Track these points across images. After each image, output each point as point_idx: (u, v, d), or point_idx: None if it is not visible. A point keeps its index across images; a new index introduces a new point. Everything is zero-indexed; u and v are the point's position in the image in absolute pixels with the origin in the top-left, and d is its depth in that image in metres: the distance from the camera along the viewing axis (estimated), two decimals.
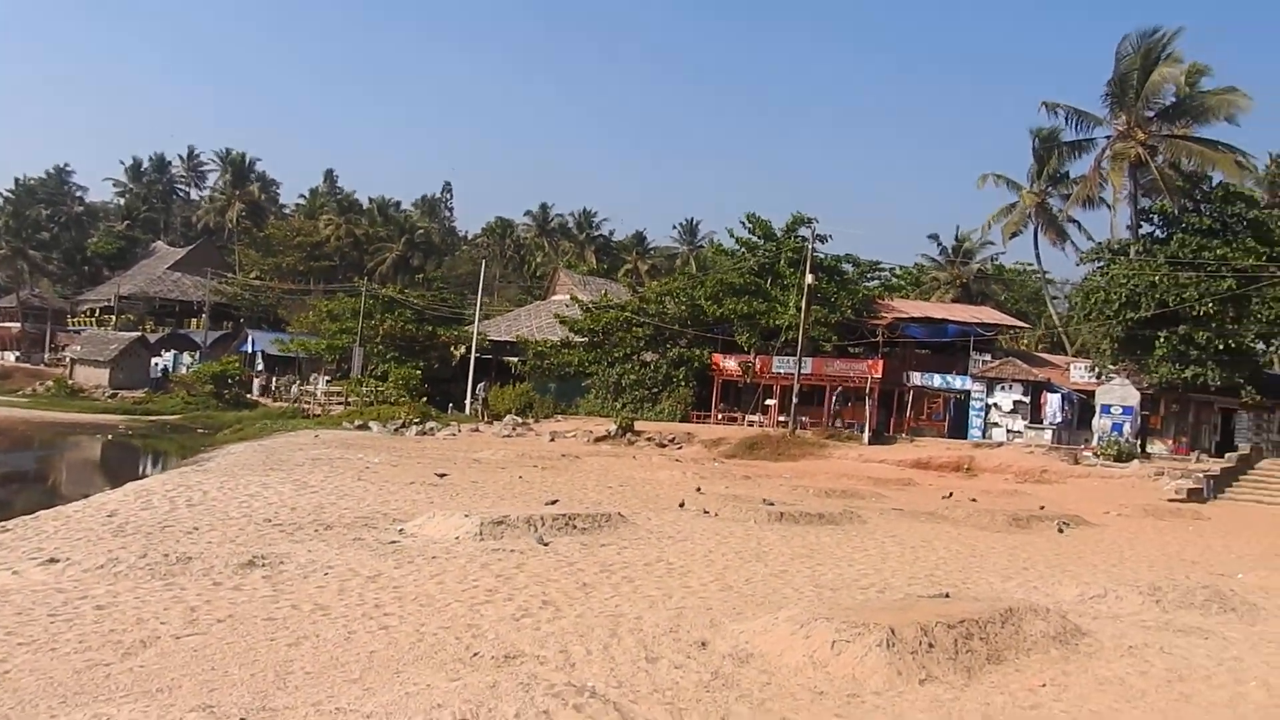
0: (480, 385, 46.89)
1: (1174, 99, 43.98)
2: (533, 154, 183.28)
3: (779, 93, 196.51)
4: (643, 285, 60.27)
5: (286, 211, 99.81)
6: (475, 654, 7.05)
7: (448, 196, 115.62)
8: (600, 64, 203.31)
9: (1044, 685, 7.00)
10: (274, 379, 56.89)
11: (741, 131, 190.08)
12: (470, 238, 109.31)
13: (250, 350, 63.82)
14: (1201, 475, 30.15)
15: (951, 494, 25.24)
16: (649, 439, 38.19)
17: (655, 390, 44.65)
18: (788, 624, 7.71)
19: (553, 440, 37.86)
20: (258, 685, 6.05)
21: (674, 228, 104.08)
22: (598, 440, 37.97)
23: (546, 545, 11.96)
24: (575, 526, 13.31)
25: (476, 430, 40.47)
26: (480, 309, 53.95)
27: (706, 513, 16.70)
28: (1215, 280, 35.12)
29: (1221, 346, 34.87)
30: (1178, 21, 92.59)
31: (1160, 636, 8.78)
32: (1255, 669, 7.86)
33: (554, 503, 16.00)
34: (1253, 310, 35.67)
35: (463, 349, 51.84)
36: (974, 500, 23.72)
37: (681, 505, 17.70)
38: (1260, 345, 40.43)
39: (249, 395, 52.60)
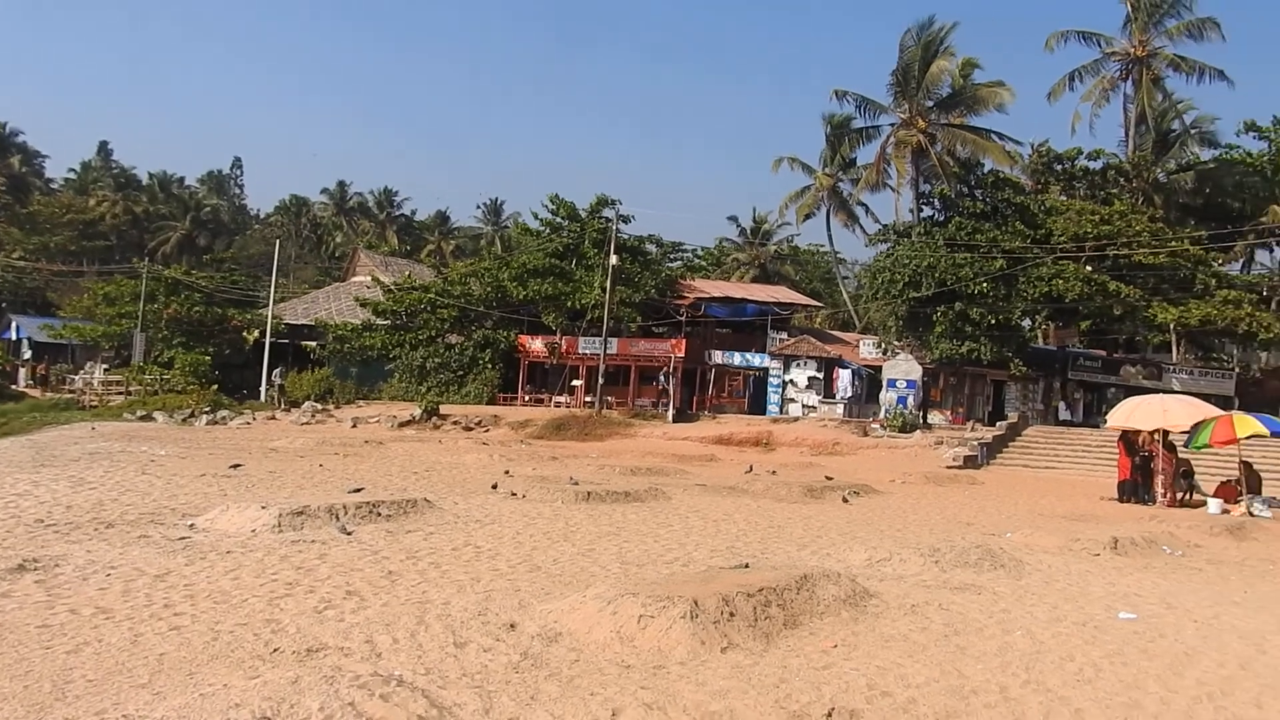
0: (276, 371, 44.97)
1: (950, 90, 46.91)
2: (330, 131, 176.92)
3: (584, 82, 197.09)
4: (447, 266, 59.40)
5: (55, 187, 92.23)
6: (275, 650, 6.81)
7: (238, 173, 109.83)
8: (384, 41, 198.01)
9: (836, 646, 7.39)
10: (44, 368, 52.68)
11: (546, 115, 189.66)
12: (263, 216, 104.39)
13: (15, 337, 58.93)
14: (976, 443, 32.46)
15: (751, 468, 26.16)
16: (455, 422, 37.75)
17: (461, 373, 44.16)
18: (595, 601, 7.81)
19: (355, 426, 36.84)
20: (32, 698, 5.64)
21: (478, 207, 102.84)
22: (402, 425, 37.22)
23: (350, 534, 11.66)
24: (380, 514, 13.03)
25: (273, 418, 38.89)
26: (275, 291, 51.67)
27: (514, 495, 16.68)
28: (987, 261, 37.79)
29: (993, 323, 37.60)
30: (954, 16, 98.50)
31: (939, 594, 9.43)
32: (1020, 620, 8.56)
33: (358, 490, 15.59)
34: (1019, 289, 38.61)
35: (256, 333, 49.55)
36: (774, 473, 24.64)
37: (495, 488, 17.62)
38: (1026, 322, 43.81)
39: (14, 386, 48.44)
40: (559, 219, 47.83)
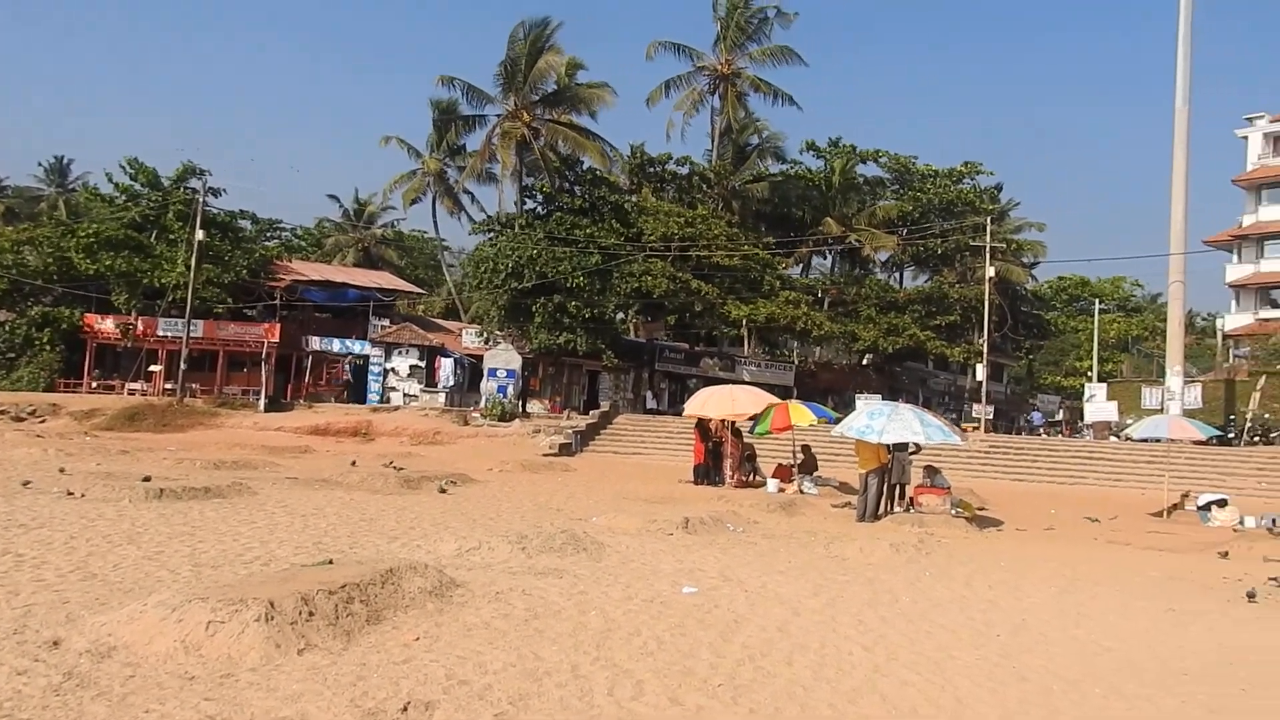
0: None
1: (555, 87, 48.43)
2: None
3: (174, 46, 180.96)
4: None
5: None
6: None
7: None
8: None
9: (418, 638, 7.37)
10: None
11: (125, 70, 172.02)
12: None
13: None
14: (571, 431, 33.87)
15: (355, 461, 25.33)
16: (3, 412, 33.27)
17: (12, 355, 39.03)
18: (158, 609, 7.21)
19: None
20: None
21: (39, 165, 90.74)
22: None
23: None
24: None
25: None
26: None
27: (71, 494, 14.97)
28: (585, 256, 39.49)
29: (589, 315, 39.39)
30: (563, 15, 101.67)
31: (523, 580, 9.72)
32: (596, 600, 9.05)
33: None
34: (613, 284, 40.77)
35: None
36: (400, 469, 23.35)
37: (26, 484, 15.69)
38: (619, 315, 46.40)
39: None
40: (138, 186, 43.58)
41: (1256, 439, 38.11)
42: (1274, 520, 20.81)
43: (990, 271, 42.70)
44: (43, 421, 32.68)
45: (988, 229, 43.97)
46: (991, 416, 45.66)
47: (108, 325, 39.98)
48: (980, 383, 44.64)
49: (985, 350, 44.14)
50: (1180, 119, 40.10)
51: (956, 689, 6.92)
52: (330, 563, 9.38)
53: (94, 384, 39.29)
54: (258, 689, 6.08)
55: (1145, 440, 30.84)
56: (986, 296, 43.05)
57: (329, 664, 6.67)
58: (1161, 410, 37.86)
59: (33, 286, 40.41)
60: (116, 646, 6.75)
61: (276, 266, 45.69)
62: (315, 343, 41.98)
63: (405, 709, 5.85)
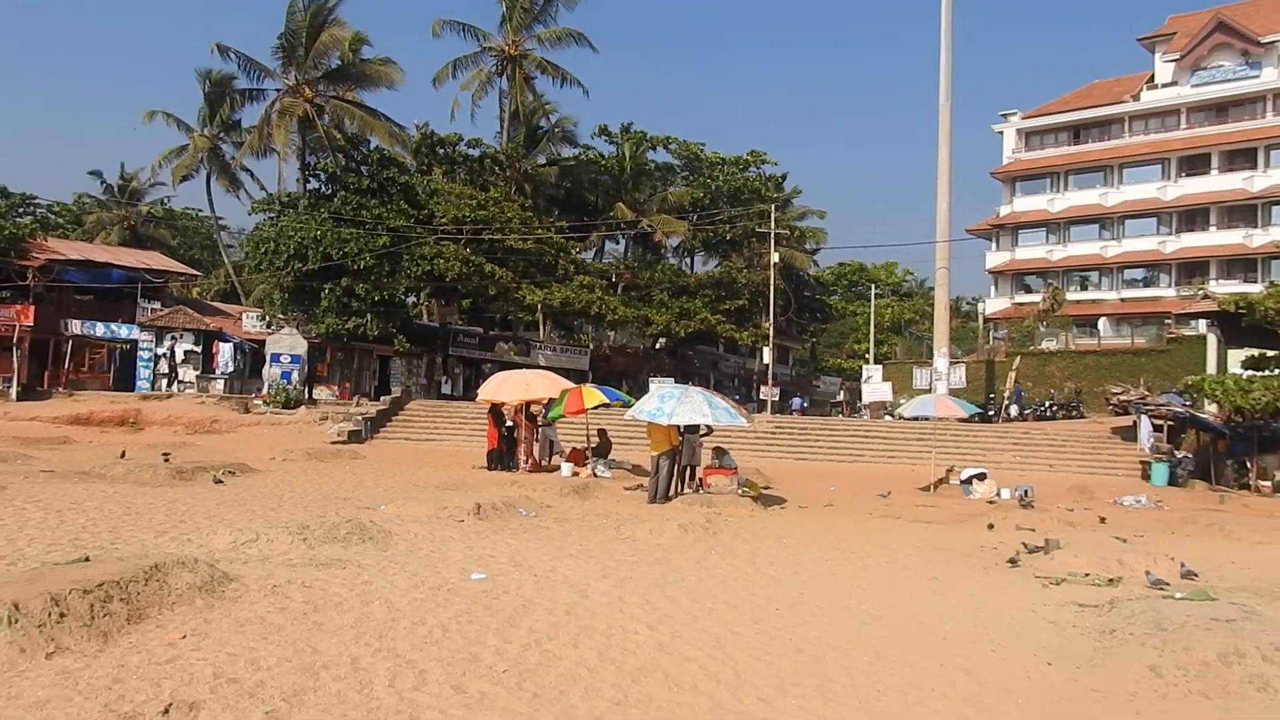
0: None
1: (339, 63, 46.67)
2: None
3: None
4: None
5: None
6: None
7: None
8: None
9: (184, 637, 6.96)
10: None
11: None
12: None
13: None
14: (361, 418, 32.88)
15: (124, 452, 23.60)
16: None
17: None
18: None
19: None
20: None
21: None
22: None
23: None
24: None
25: None
26: None
27: None
28: (373, 237, 38.32)
29: (379, 299, 38.29)
30: None
31: (304, 572, 9.33)
32: (380, 590, 8.79)
33: None
34: (404, 266, 39.77)
35: None
36: (166, 456, 22.09)
37: None
38: (411, 298, 45.34)
39: None
40: None
41: (1012, 415, 41.38)
42: (1025, 492, 22.64)
43: (775, 257, 44.37)
44: None
45: (772, 216, 45.62)
46: (778, 398, 47.55)
47: None
48: (768, 365, 46.39)
49: (771, 334, 45.86)
50: (944, 115, 42.88)
51: (736, 663, 7.13)
52: (87, 560, 8.70)
53: None
54: None
55: (915, 418, 32.92)
56: (772, 281, 44.74)
57: (82, 667, 6.21)
58: (931, 390, 40.48)
59: None
60: None
61: (30, 245, 41.93)
62: (76, 326, 38.90)
63: (166, 711, 5.51)
